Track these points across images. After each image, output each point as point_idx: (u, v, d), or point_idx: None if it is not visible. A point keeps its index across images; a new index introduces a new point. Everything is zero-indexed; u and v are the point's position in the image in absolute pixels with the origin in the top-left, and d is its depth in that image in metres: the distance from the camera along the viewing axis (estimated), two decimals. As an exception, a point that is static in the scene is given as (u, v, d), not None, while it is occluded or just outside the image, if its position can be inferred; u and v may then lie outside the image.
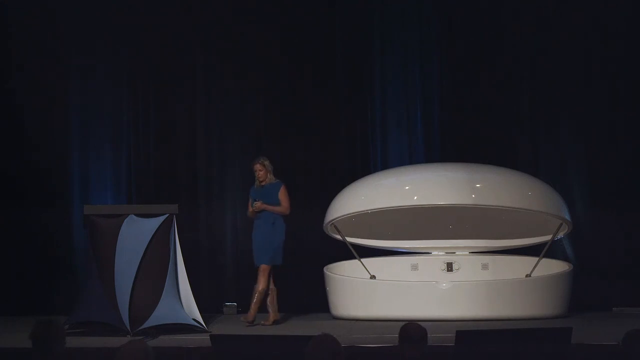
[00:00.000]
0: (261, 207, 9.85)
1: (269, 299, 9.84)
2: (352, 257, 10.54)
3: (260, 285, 9.82)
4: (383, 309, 9.92)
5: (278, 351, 5.86)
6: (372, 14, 11.63)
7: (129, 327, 8.76)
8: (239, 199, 11.37)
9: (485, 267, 10.60)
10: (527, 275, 10.15)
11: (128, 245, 9.06)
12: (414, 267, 10.70)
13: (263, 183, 9.99)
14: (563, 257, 10.78)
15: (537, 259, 10.25)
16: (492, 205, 10.24)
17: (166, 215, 9.20)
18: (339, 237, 10.60)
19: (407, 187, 10.54)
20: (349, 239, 10.55)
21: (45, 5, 11.45)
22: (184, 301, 9.14)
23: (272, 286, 9.88)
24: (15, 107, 11.41)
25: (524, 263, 10.37)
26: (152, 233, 9.12)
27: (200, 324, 9.09)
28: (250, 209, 9.96)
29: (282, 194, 9.95)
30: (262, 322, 9.79)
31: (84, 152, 11.64)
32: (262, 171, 9.99)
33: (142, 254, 9.04)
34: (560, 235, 10.49)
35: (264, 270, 9.84)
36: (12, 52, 11.46)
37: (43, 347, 5.36)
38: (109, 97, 11.71)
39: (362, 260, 10.51)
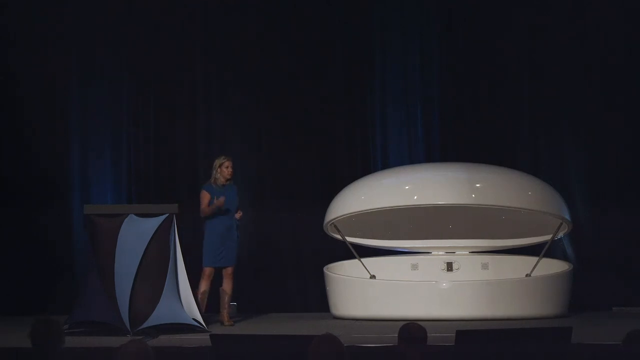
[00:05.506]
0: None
1: (203, 300, 9.73)
2: (352, 257, 10.54)
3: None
4: (383, 308, 9.92)
5: (278, 351, 5.85)
6: (372, 14, 11.64)
7: (129, 327, 8.76)
8: (239, 199, 11.39)
9: (485, 267, 10.61)
10: (527, 275, 10.15)
11: (128, 245, 9.06)
12: (414, 267, 10.71)
13: (229, 182, 9.91)
14: (563, 257, 10.79)
15: (537, 258, 10.26)
16: (492, 205, 10.25)
17: (166, 215, 9.19)
18: (339, 237, 10.60)
19: (407, 187, 10.54)
20: (349, 239, 10.56)
21: (45, 6, 11.45)
22: (184, 301, 9.14)
23: (207, 288, 9.82)
24: (16, 107, 11.42)
25: (524, 263, 10.37)
26: (152, 233, 9.11)
27: (200, 324, 9.09)
28: (218, 201, 9.67)
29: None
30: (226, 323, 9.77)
31: (84, 152, 11.65)
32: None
33: (142, 254, 9.03)
34: (560, 235, 10.50)
35: (232, 272, 9.84)
36: (12, 53, 11.46)
37: (41, 346, 5.36)
38: (109, 97, 11.72)
39: (362, 260, 10.51)
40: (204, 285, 9.76)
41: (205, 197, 9.85)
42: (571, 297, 10.12)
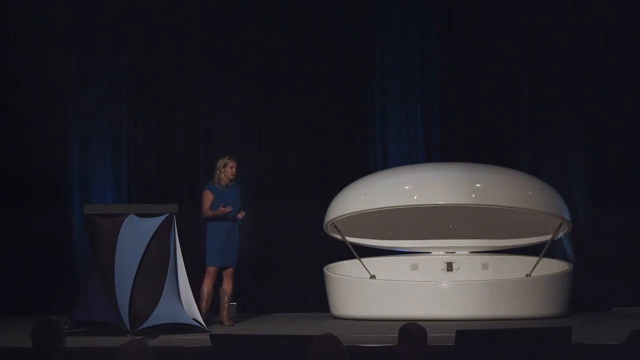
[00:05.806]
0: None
1: (208, 300, 9.77)
2: (352, 257, 10.54)
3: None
4: (383, 308, 9.91)
5: (278, 351, 5.85)
6: (372, 14, 11.64)
7: (129, 327, 8.76)
8: (241, 199, 11.39)
9: (485, 267, 10.61)
10: (527, 275, 10.15)
11: (128, 245, 9.06)
12: (414, 267, 10.71)
13: (232, 183, 9.91)
14: (563, 257, 10.78)
15: (537, 259, 10.26)
16: (492, 205, 10.25)
17: (166, 215, 9.19)
18: (339, 237, 10.60)
19: (407, 187, 10.54)
20: (349, 239, 10.55)
21: (45, 6, 11.45)
22: (184, 301, 9.14)
23: (211, 287, 9.82)
24: (16, 107, 11.42)
25: (524, 263, 10.37)
26: (152, 233, 9.11)
27: (200, 324, 9.09)
28: (225, 209, 9.67)
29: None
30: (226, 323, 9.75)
31: (84, 152, 11.65)
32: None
33: (142, 254, 9.03)
34: (560, 235, 10.50)
35: (232, 272, 9.85)
36: (12, 53, 11.47)
37: (42, 346, 5.36)
38: (109, 97, 11.72)
39: (362, 260, 10.51)
40: (208, 285, 9.76)
41: (208, 197, 9.84)
42: (571, 297, 10.12)
